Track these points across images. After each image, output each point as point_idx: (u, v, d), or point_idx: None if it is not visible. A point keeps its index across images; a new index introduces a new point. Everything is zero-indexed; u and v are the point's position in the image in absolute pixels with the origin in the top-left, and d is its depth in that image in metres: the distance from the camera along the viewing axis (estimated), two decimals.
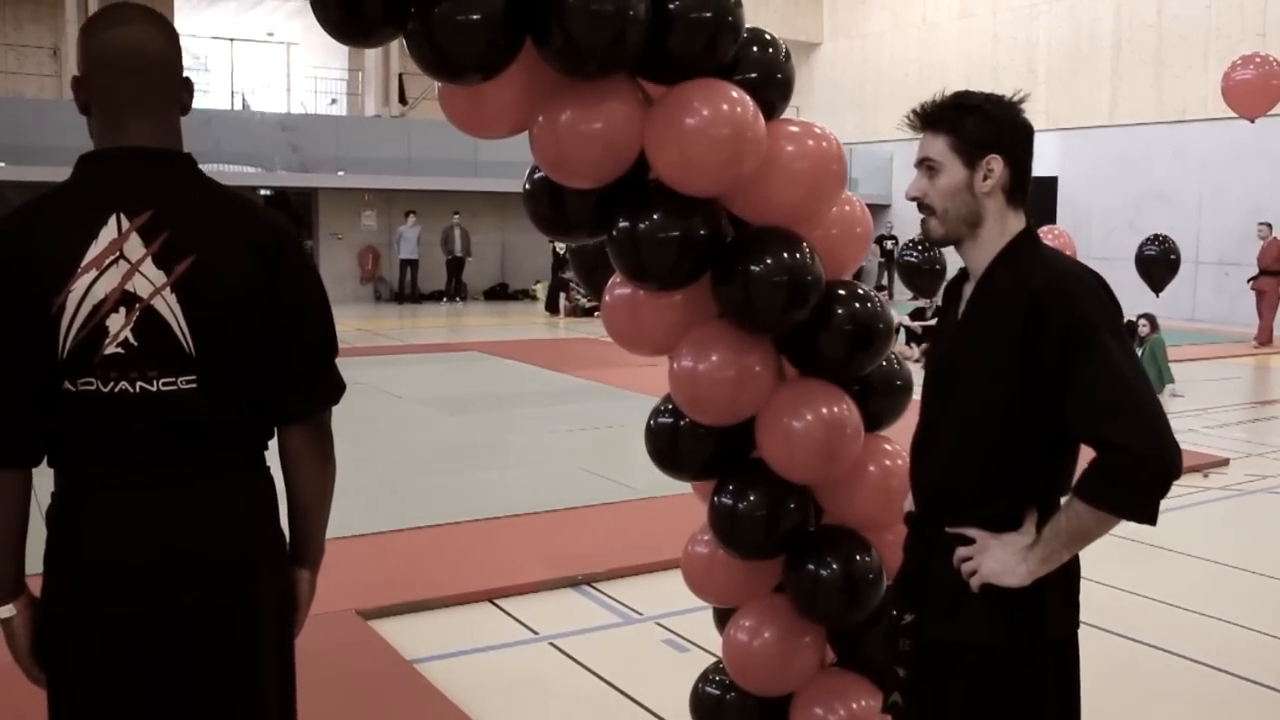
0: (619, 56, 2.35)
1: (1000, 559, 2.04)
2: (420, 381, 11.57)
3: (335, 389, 2.12)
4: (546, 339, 16.77)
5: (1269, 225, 15.89)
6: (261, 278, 1.98)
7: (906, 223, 22.56)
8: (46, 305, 1.87)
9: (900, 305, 15.28)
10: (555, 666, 4.40)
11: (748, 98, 2.47)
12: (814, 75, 29.02)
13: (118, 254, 1.89)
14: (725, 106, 2.43)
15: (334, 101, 28.62)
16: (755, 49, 2.63)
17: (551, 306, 20.29)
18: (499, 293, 24.32)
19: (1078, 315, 1.96)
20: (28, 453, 1.93)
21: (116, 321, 1.89)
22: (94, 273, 1.88)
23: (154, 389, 1.92)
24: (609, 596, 5.13)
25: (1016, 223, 2.14)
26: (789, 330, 2.65)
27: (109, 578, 1.93)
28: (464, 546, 5.70)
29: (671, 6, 2.38)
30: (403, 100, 25.34)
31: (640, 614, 4.94)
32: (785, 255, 2.55)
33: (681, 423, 2.88)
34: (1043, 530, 2.03)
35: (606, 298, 2.87)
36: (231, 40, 32.40)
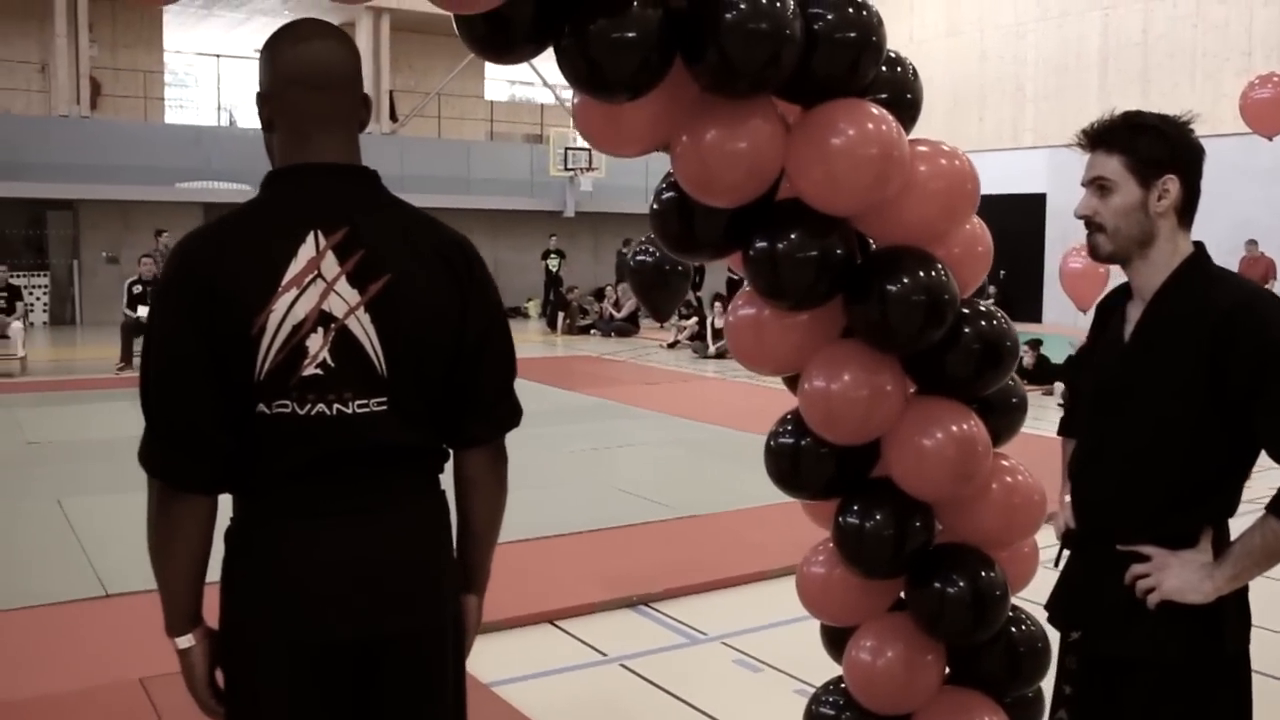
0: (771, 76, 2.35)
1: (1182, 576, 2.05)
2: None
3: (516, 412, 2.09)
4: (547, 356, 16.75)
5: (1256, 242, 16.08)
6: (453, 296, 1.95)
7: None
8: (248, 325, 1.82)
9: None
10: (630, 688, 4.38)
11: (890, 117, 2.48)
12: None
13: (315, 272, 1.86)
14: (871, 126, 2.43)
15: None
16: (885, 69, 2.64)
17: (550, 323, 20.26)
18: None
19: (1270, 336, 1.97)
20: (221, 479, 1.88)
21: (315, 342, 1.85)
22: (295, 291, 1.84)
23: (349, 411, 1.87)
24: (669, 616, 5.12)
25: (1186, 243, 2.16)
26: (920, 349, 2.66)
27: (305, 607, 1.87)
28: (517, 567, 5.66)
29: (817, 27, 2.38)
30: (393, 117, 25.32)
31: (704, 634, 4.92)
32: (922, 274, 2.55)
33: (803, 442, 2.87)
34: (1232, 548, 2.04)
35: (730, 318, 2.86)
36: (218, 56, 32.26)
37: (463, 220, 23.28)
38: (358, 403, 1.88)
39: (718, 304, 17.34)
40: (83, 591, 5.17)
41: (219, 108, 31.40)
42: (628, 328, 19.61)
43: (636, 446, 9.11)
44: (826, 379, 2.70)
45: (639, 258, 3.83)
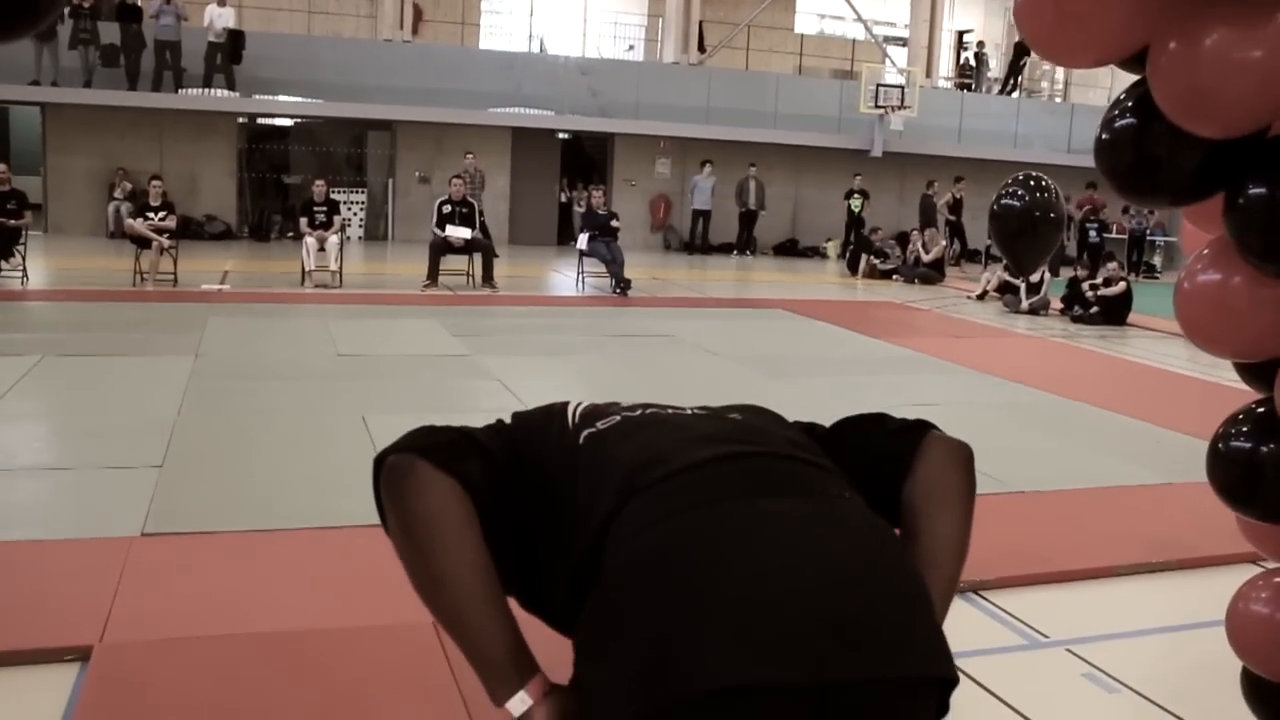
0: None
1: None
2: (731, 339, 11.09)
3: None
4: (848, 300, 16.06)
5: None
6: None
7: None
8: None
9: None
10: (960, 691, 3.81)
11: None
12: None
13: None
14: None
15: (631, 47, 28.50)
16: None
17: (852, 266, 19.52)
18: (789, 248, 23.74)
19: None
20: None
21: None
22: None
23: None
24: (1004, 610, 4.50)
25: None
26: None
27: (784, 641, 1.44)
28: None
29: None
30: (701, 48, 24.94)
31: (1046, 636, 4.29)
32: None
33: (1265, 449, 2.22)
34: None
35: (1185, 284, 2.23)
36: None
37: (765, 155, 22.85)
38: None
39: None
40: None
41: (529, 35, 31.91)
42: (933, 275, 18.64)
43: (949, 405, 8.37)
44: None
45: (1005, 201, 3.31)
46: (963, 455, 1.93)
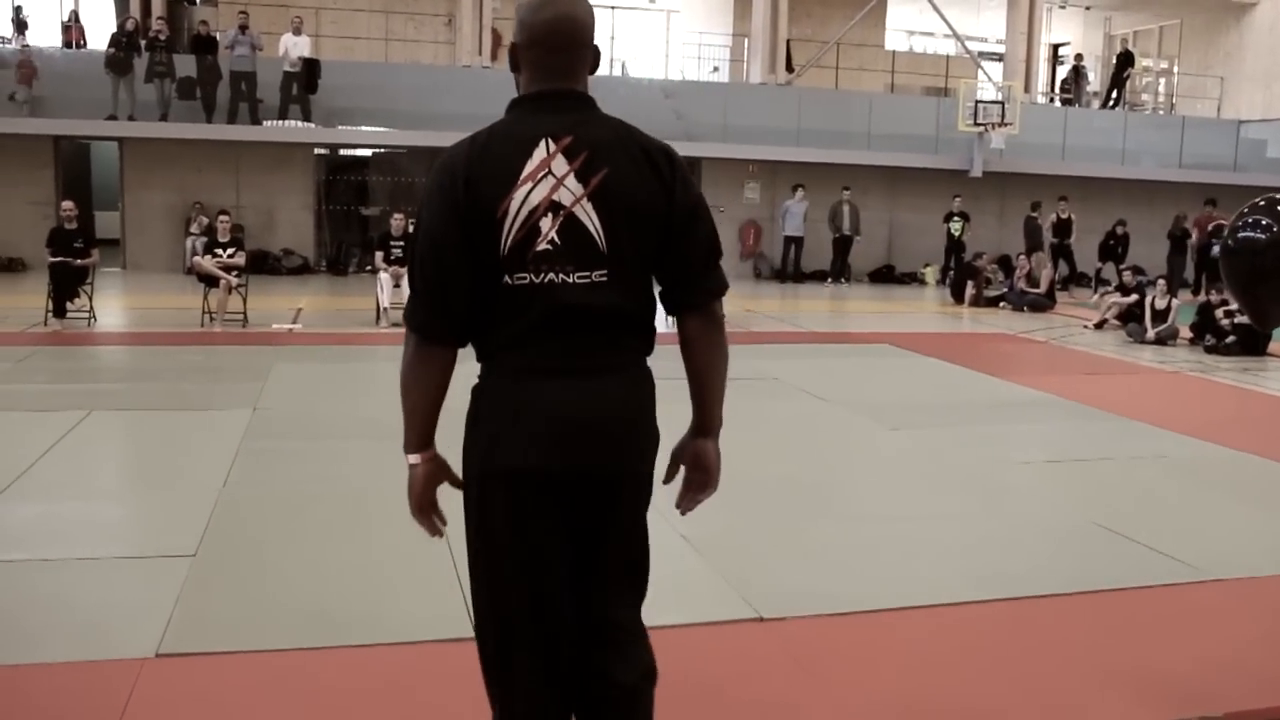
0: None
1: None
2: (838, 381, 10.07)
3: (722, 282, 2.52)
4: (956, 333, 14.96)
5: None
6: (660, 187, 2.41)
7: None
8: (494, 210, 2.34)
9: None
10: None
11: None
12: (1245, 39, 25.52)
13: (546, 170, 2.36)
14: None
15: (716, 69, 27.66)
16: None
17: (956, 295, 18.38)
18: (885, 275, 22.63)
19: None
20: (460, 337, 2.42)
21: (546, 224, 2.35)
22: (529, 185, 2.35)
23: (572, 281, 2.36)
24: None
25: None
26: None
27: (546, 443, 2.36)
28: (966, 642, 4.16)
29: None
30: (789, 67, 24.01)
31: None
32: None
33: None
34: None
35: None
36: (613, 8, 32.12)
37: (858, 177, 21.79)
38: (578, 274, 2.36)
39: (1161, 280, 14.97)
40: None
41: (611, 59, 31.27)
42: (1044, 302, 17.45)
43: (1098, 461, 7.32)
44: None
45: (1246, 234, 2.44)
46: (717, 318, 2.52)
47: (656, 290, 2.50)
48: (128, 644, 3.89)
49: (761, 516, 5.69)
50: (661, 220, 2.40)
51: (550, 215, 2.34)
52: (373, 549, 4.98)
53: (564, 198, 2.34)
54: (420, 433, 2.45)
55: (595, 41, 2.47)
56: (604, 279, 2.36)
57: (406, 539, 4.74)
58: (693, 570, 4.85)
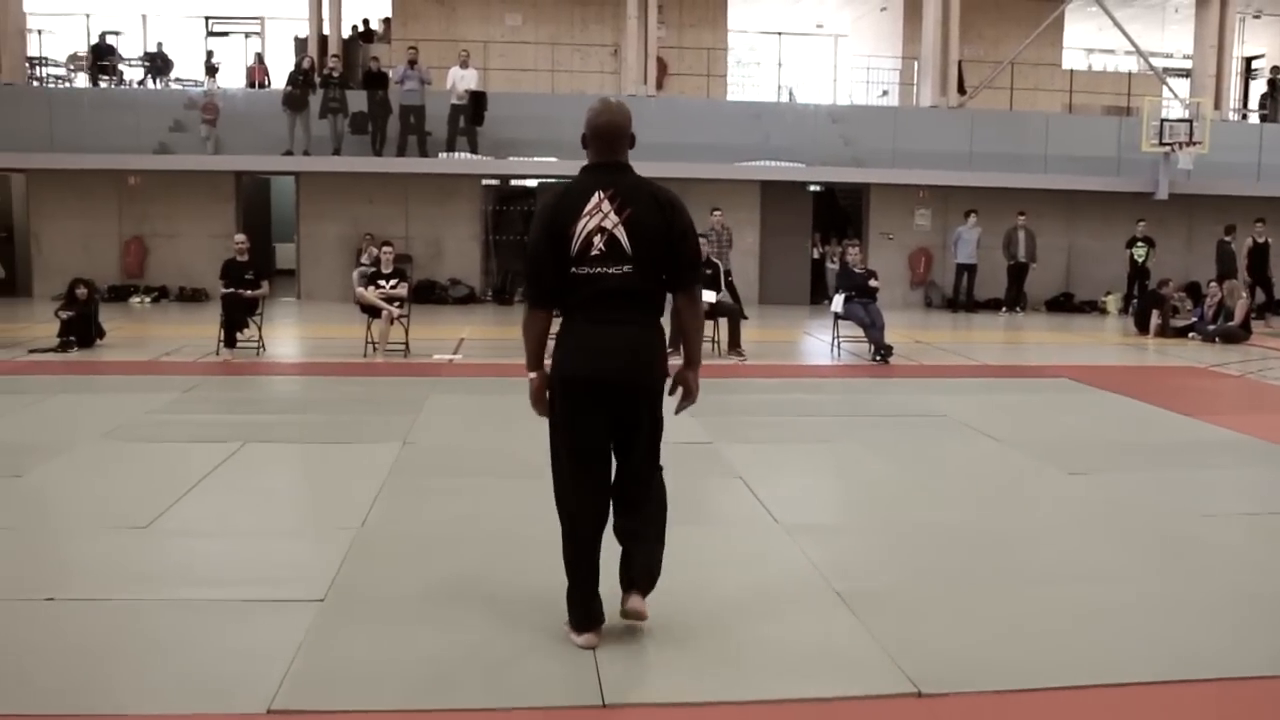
0: None
1: None
2: (1013, 419, 9.44)
3: (700, 276, 4.41)
4: (1142, 366, 14.06)
5: None
6: (663, 219, 4.12)
7: None
8: (568, 232, 4.07)
9: None
10: None
11: None
12: None
13: (598, 209, 4.08)
14: None
15: (885, 93, 27.03)
16: None
17: (1141, 325, 17.35)
18: (1062, 303, 21.62)
19: None
20: (554, 304, 4.17)
21: (597, 239, 4.06)
22: (588, 217, 4.07)
23: (612, 271, 4.06)
24: None
25: None
26: None
27: (584, 360, 4.10)
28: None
29: None
30: (961, 90, 23.24)
31: None
32: None
33: None
34: None
35: None
36: (780, 34, 31.80)
37: (1034, 201, 20.85)
38: (615, 268, 4.06)
39: None
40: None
41: (778, 85, 30.91)
42: (1237, 332, 16.32)
43: None
44: None
45: None
46: (695, 295, 4.30)
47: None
48: (239, 698, 3.71)
49: (924, 571, 5.24)
50: (664, 238, 4.10)
51: (600, 235, 4.05)
52: (501, 601, 4.73)
53: (608, 224, 4.06)
54: (535, 359, 4.23)
55: (632, 130, 4.20)
56: (630, 271, 4.07)
57: (540, 588, 4.50)
58: (845, 632, 4.44)
